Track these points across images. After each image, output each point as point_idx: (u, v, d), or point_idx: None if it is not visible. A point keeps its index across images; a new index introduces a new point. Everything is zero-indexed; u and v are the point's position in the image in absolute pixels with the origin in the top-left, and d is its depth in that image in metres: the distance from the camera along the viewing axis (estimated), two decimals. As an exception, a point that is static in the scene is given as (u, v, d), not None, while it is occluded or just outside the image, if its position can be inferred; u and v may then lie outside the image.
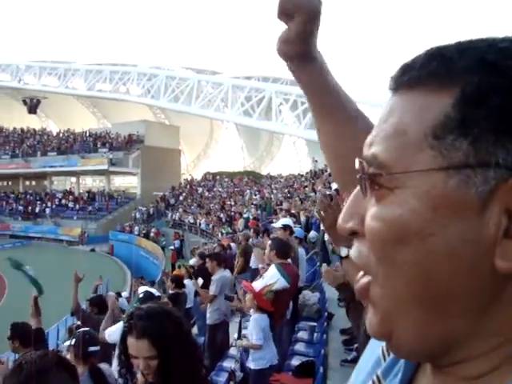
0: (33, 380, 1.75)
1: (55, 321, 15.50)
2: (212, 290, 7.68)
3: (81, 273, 7.07)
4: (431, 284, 0.48)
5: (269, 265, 5.92)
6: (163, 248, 32.73)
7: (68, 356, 4.73)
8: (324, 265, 7.91)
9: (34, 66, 61.86)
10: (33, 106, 59.33)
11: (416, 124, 0.50)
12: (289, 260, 5.98)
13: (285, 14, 0.92)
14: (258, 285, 5.37)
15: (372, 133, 0.56)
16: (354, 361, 5.74)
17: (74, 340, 3.86)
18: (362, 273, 0.55)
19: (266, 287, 5.27)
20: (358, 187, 0.56)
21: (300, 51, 0.95)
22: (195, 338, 2.40)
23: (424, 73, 0.51)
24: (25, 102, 59.40)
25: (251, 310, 5.50)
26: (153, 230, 38.30)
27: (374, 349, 0.69)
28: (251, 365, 5.39)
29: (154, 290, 6.45)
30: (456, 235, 0.47)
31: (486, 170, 0.46)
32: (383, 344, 0.65)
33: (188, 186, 50.80)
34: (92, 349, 3.85)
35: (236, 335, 6.47)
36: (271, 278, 5.32)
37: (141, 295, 5.21)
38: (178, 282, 8.95)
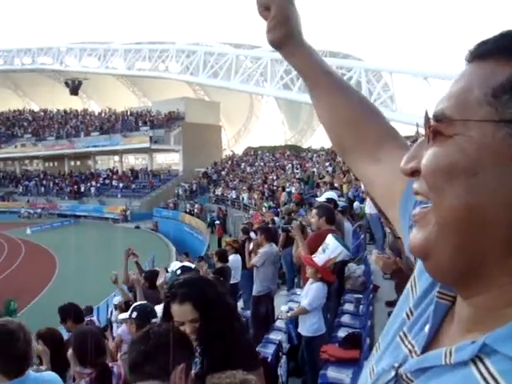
0: (161, 350, 1.87)
1: (104, 296, 15.87)
2: (255, 260, 7.85)
3: (130, 250, 7.14)
4: (470, 215, 0.58)
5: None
6: (210, 224, 33.17)
7: (123, 328, 4.86)
8: (374, 251, 7.88)
9: (74, 47, 62.60)
10: (74, 88, 60.05)
11: (481, 85, 0.59)
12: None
13: (263, 8, 1.05)
14: (320, 259, 5.31)
15: (442, 95, 0.65)
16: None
17: (133, 313, 3.94)
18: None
19: (330, 260, 5.23)
20: (420, 139, 0.67)
21: (283, 35, 1.06)
22: (229, 299, 2.56)
23: (496, 46, 0.60)
24: (67, 84, 60.17)
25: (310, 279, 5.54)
26: (196, 205, 38.68)
27: (398, 315, 0.79)
28: (303, 332, 5.45)
29: (189, 264, 6.40)
30: (494, 176, 0.57)
31: None
32: (407, 310, 0.77)
33: (230, 162, 50.95)
34: (153, 320, 3.98)
35: (283, 307, 6.50)
36: (334, 250, 5.25)
37: (178, 271, 5.18)
38: (222, 255, 9.07)
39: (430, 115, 0.64)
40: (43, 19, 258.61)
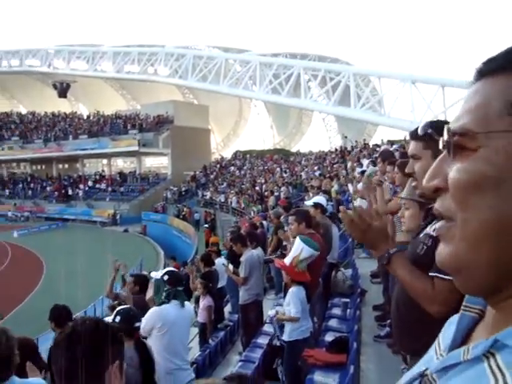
0: (89, 352, 1.75)
1: (92, 300, 15.81)
2: (241, 272, 7.62)
3: (116, 261, 7.06)
4: (503, 224, 0.58)
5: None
6: (194, 224, 33.37)
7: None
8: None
9: (62, 50, 62.30)
10: (63, 90, 59.79)
11: (499, 98, 0.60)
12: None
13: None
14: (287, 260, 5.41)
15: (457, 113, 0.66)
16: (387, 336, 5.73)
17: (117, 317, 3.94)
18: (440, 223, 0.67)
19: (294, 259, 5.32)
20: (442, 155, 0.67)
21: None
22: None
23: (506, 61, 0.62)
24: (55, 87, 59.90)
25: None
26: (185, 209, 38.61)
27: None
28: (285, 337, 5.44)
29: (174, 269, 6.34)
30: None
31: None
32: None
33: (218, 165, 50.92)
34: (137, 324, 4.00)
35: (271, 312, 6.50)
36: (296, 249, 5.35)
37: (165, 277, 5.14)
38: (207, 260, 9.07)
39: (451, 131, 0.65)
40: (31, 21, 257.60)
